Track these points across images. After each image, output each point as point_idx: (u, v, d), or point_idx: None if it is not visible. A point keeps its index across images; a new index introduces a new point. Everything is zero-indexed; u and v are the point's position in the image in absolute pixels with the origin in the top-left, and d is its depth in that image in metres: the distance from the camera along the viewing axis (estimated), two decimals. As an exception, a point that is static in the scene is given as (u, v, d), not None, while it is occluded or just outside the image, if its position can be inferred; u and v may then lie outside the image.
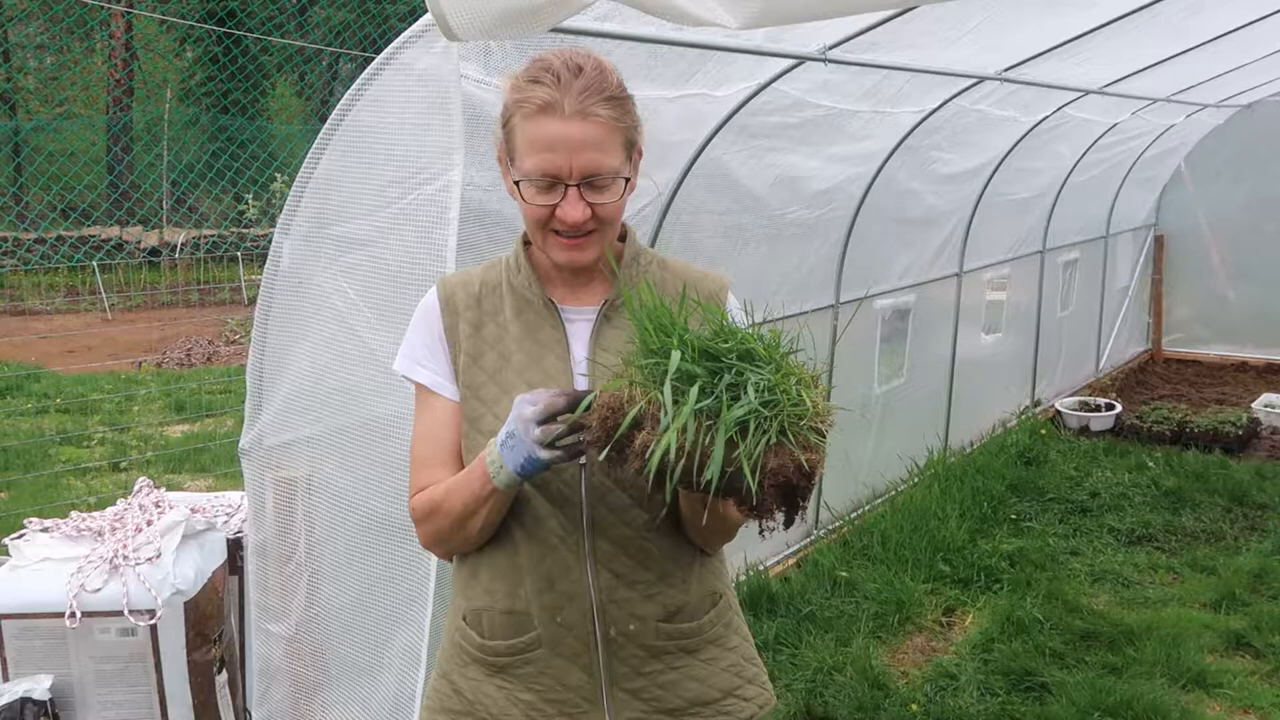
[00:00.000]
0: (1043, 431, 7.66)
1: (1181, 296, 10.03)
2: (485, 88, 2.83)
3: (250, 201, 12.34)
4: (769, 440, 1.53)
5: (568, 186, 1.78)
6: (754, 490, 1.52)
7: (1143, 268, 9.95)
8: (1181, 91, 7.38)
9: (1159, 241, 9.98)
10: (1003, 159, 6.48)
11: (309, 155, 2.84)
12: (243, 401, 9.20)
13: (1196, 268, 9.86)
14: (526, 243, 1.97)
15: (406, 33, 2.63)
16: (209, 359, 12.01)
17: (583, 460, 1.73)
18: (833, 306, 5.61)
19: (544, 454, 1.68)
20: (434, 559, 2.68)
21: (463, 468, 1.88)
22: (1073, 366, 8.96)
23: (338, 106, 2.76)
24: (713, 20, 2.17)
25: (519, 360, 1.90)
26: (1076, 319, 8.84)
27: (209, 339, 12.89)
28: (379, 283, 2.75)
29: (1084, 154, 7.54)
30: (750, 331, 1.66)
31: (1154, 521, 6.11)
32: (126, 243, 18.33)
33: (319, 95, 26.45)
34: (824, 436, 1.59)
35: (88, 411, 9.20)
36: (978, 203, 6.63)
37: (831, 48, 3.82)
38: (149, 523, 3.56)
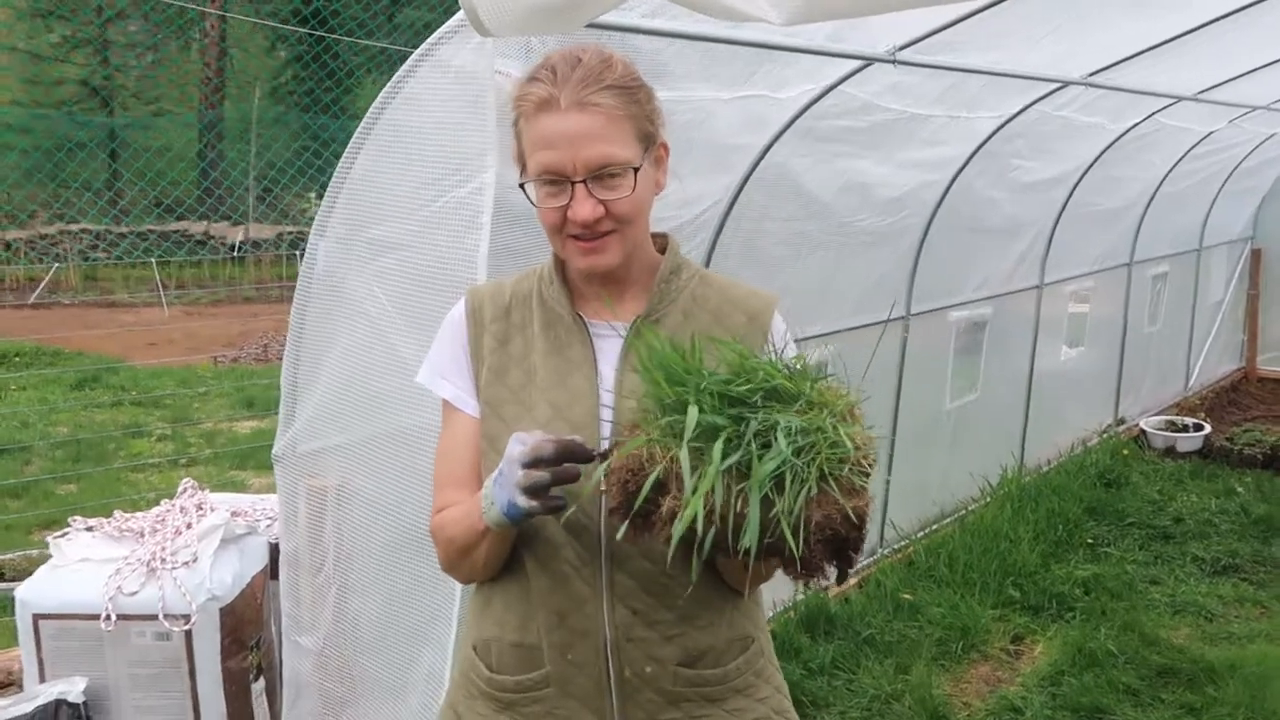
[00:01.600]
0: (1125, 452, 7.34)
1: (1279, 313, 9.59)
2: (524, 86, 2.71)
3: (313, 200, 12.46)
4: (809, 492, 1.36)
5: (574, 183, 1.65)
6: (798, 552, 1.36)
7: (1238, 282, 9.54)
8: (1282, 99, 7.03)
9: (1256, 255, 9.56)
10: (1088, 168, 6.21)
11: (345, 154, 2.75)
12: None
13: (1296, 283, 9.44)
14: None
15: (444, 27, 2.53)
16: (265, 356, 12.14)
17: (564, 504, 1.60)
18: (904, 318, 5.40)
19: (522, 501, 1.56)
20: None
21: (480, 485, 1.76)
22: (1160, 384, 8.60)
23: (374, 104, 2.67)
24: (757, 15, 2.02)
25: (544, 378, 1.77)
26: (1165, 334, 8.49)
27: (286, 335, 13.03)
28: (410, 288, 2.65)
29: (1176, 163, 7.21)
30: (774, 363, 1.51)
31: (1242, 551, 5.80)
32: (212, 238, 18.67)
33: (404, 95, 26.71)
34: (868, 476, 1.42)
35: (160, 405, 9.32)
36: (1061, 212, 6.37)
37: (901, 49, 3.64)
38: (189, 525, 3.52)
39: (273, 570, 3.64)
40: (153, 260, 16.76)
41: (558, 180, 1.67)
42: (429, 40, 2.56)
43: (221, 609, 3.36)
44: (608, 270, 1.75)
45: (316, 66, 21.21)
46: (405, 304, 2.66)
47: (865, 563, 5.43)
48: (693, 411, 1.42)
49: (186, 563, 3.32)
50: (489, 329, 1.83)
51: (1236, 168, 8.27)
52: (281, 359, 3.00)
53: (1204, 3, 4.33)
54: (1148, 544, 5.92)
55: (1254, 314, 9.67)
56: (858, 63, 3.65)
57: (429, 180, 2.59)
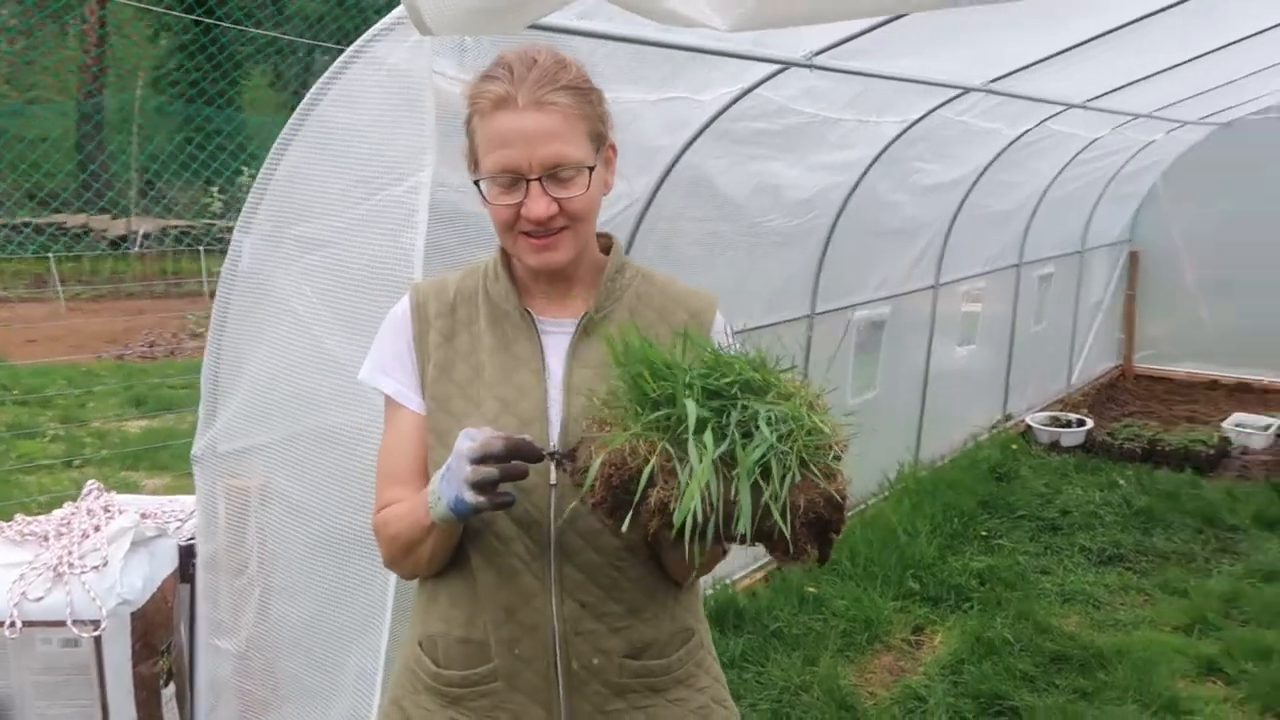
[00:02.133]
0: (1014, 446, 7.60)
1: (1154, 313, 10.02)
2: (459, 85, 2.70)
3: (215, 194, 12.13)
4: (793, 478, 1.42)
5: (529, 181, 1.68)
6: (788, 535, 1.41)
7: (1116, 283, 9.92)
8: (1163, 108, 7.35)
9: (1133, 258, 9.97)
10: (983, 171, 6.42)
11: (273, 150, 2.71)
12: (205, 398, 8.91)
13: (1170, 285, 9.83)
14: (506, 251, 1.86)
15: (378, 25, 2.51)
16: (172, 353, 11.79)
17: (512, 501, 1.61)
18: (808, 317, 5.51)
19: (470, 497, 1.57)
20: (392, 577, 2.56)
21: (425, 481, 1.77)
22: (1045, 381, 8.92)
23: (304, 100, 2.64)
24: (702, 21, 2.06)
25: (491, 373, 1.79)
26: (1050, 333, 8.80)
27: (173, 332, 12.67)
28: (341, 286, 2.62)
29: (1063, 168, 7.49)
30: (747, 357, 1.56)
31: (1125, 541, 6.05)
32: (91, 231, 18.01)
33: (292, 87, 26.15)
34: (841, 460, 1.49)
35: (50, 405, 8.99)
36: (956, 214, 6.57)
37: (818, 53, 3.73)
38: (96, 528, 3.41)
39: (182, 573, 3.57)
40: (29, 254, 16.11)
41: (513, 178, 1.69)
42: (362, 38, 2.54)
43: (133, 613, 3.27)
44: (559, 267, 1.78)
45: (203, 57, 20.62)
46: (335, 302, 2.63)
47: (769, 557, 5.52)
48: (692, 405, 1.45)
49: (96, 567, 3.22)
50: (434, 325, 1.84)
51: (1117, 173, 8.62)
52: (170, 356, 2.94)
53: (1097, 17, 4.53)
54: (1038, 535, 6.13)
55: (1131, 314, 10.08)
56: (776, 66, 3.73)
57: (362, 178, 2.57)
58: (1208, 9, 4.68)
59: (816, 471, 1.44)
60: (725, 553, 1.75)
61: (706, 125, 3.89)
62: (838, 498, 1.45)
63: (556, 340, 1.82)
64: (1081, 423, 8.10)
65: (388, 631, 2.55)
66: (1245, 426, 8.18)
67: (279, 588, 2.92)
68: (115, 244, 17.84)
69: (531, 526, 1.74)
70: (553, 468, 1.71)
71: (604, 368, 1.76)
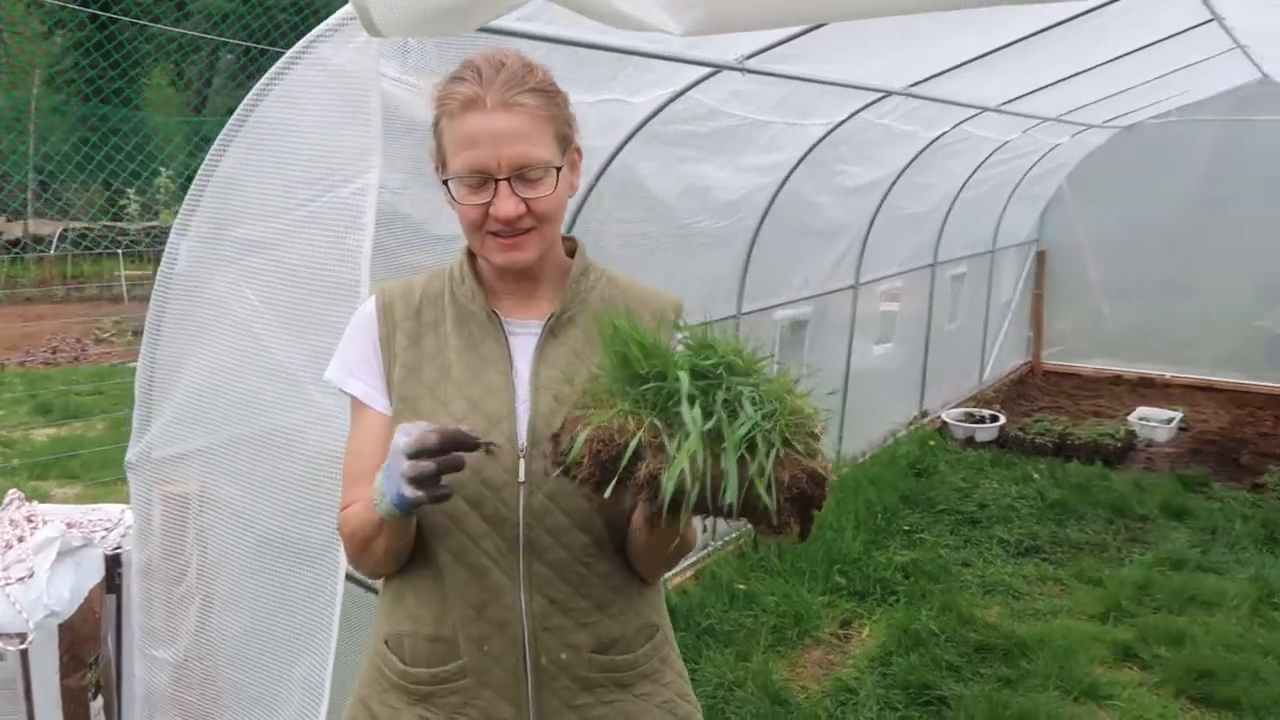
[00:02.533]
0: (931, 443, 7.76)
1: (1060, 311, 10.31)
2: (402, 86, 2.69)
3: (132, 196, 11.81)
4: (778, 453, 1.46)
5: (498, 181, 1.70)
6: (773, 509, 1.45)
7: (1025, 282, 10.19)
8: (1070, 112, 7.59)
9: (1040, 257, 10.25)
10: (900, 173, 6.55)
11: (211, 151, 2.66)
12: (114, 404, 8.80)
13: (1075, 283, 10.13)
14: (471, 254, 1.87)
15: (323, 25, 2.48)
16: (76, 358, 11.46)
17: (449, 494, 1.62)
18: (735, 317, 5.57)
19: (408, 491, 1.57)
20: (340, 583, 2.54)
21: None
22: (959, 378, 9.12)
23: (245, 100, 2.59)
24: (655, 25, 2.09)
25: (459, 374, 1.80)
26: (963, 332, 9.01)
27: (76, 337, 12.31)
28: (285, 288, 2.59)
29: (975, 170, 7.68)
30: (729, 342, 1.59)
31: (1041, 533, 6.22)
32: (-13, 233, 17.43)
33: (196, 86, 25.57)
34: (818, 440, 1.54)
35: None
36: (875, 215, 6.69)
37: (749, 56, 3.78)
38: (20, 539, 3.33)
39: (109, 583, 3.48)
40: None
41: (481, 178, 1.71)
42: (306, 38, 2.51)
43: (60, 625, 3.19)
44: (525, 266, 1.79)
45: (99, 55, 20.06)
46: (279, 304, 2.60)
47: (699, 555, 5.58)
48: (685, 376, 1.49)
49: (21, 578, 3.14)
50: (401, 327, 1.85)
51: (1025, 175, 8.86)
52: (74, 362, 2.88)
53: (1012, 24, 4.66)
54: (957, 529, 6.28)
55: (1039, 312, 10.36)
56: (708, 69, 3.77)
57: (307, 179, 2.54)
58: (1113, 19, 4.86)
59: (799, 449, 1.48)
60: (691, 546, 1.80)
61: (639, 127, 3.92)
62: (820, 473, 1.49)
63: (523, 341, 1.83)
64: (995, 418, 8.31)
65: (335, 637, 2.53)
66: (1149, 420, 8.46)
67: (220, 595, 2.87)
68: (9, 247, 17.28)
69: (501, 524, 1.75)
70: (521, 464, 1.73)
71: (570, 368, 1.79)
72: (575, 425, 1.56)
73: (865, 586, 5.39)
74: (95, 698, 3.43)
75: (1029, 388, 10.01)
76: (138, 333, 12.39)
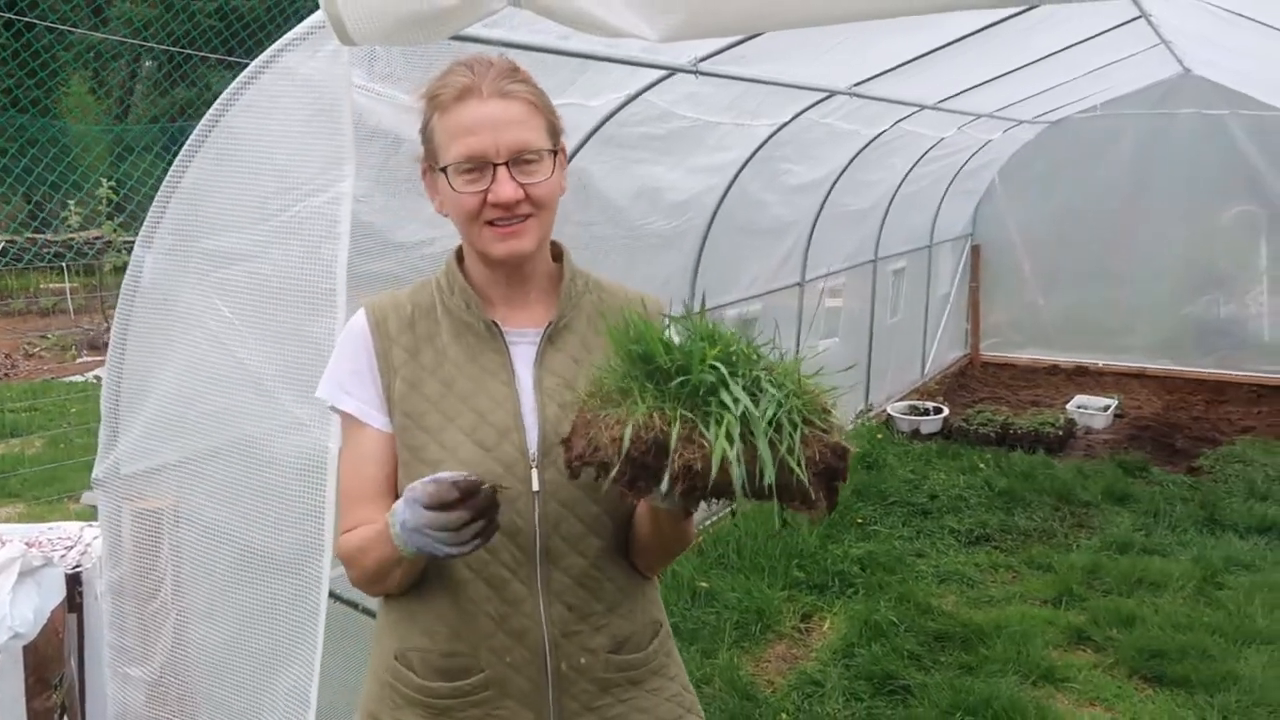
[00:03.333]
0: (879, 436, 7.87)
1: (997, 303, 10.51)
2: (369, 95, 2.69)
3: (73, 208, 11.55)
4: (801, 432, 1.50)
5: (496, 166, 1.72)
6: (807, 483, 1.49)
7: (961, 276, 10.37)
8: (1002, 109, 7.74)
9: (975, 251, 10.43)
10: (843, 170, 6.64)
11: (176, 162, 2.64)
12: (51, 420, 8.59)
13: (1010, 275, 10.34)
14: (459, 262, 1.87)
15: (290, 34, 2.47)
16: (6, 374, 11.19)
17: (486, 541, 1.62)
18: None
19: (442, 550, 1.59)
20: (324, 595, 2.53)
21: (393, 498, 1.77)
22: (901, 371, 9.26)
23: (210, 111, 2.57)
24: (632, 32, 2.11)
25: (463, 386, 1.80)
26: (904, 325, 9.15)
27: (5, 353, 12.02)
28: (259, 300, 2.57)
29: (913, 166, 7.81)
30: (733, 333, 1.63)
31: (990, 522, 6.34)
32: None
33: (117, 95, 25.06)
34: (831, 417, 1.59)
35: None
36: (819, 213, 6.78)
37: (703, 59, 3.82)
38: (-21, 560, 3.27)
39: (70, 602, 3.43)
40: None
41: (479, 164, 1.72)
42: (271, 48, 2.50)
43: (24, 647, 3.15)
44: (524, 256, 1.80)
45: (15, 64, 19.56)
46: (253, 316, 2.58)
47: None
48: (721, 366, 1.52)
49: (-16, 601, 3.09)
50: (397, 341, 1.84)
51: (960, 170, 9.02)
52: (5, 379, 2.84)
53: (949, 25, 4.77)
54: (910, 520, 6.38)
55: (975, 305, 10.55)
56: (662, 72, 3.80)
57: (277, 190, 2.53)
58: (1043, 18, 5.00)
59: (820, 425, 1.54)
60: (692, 539, 1.85)
61: (595, 130, 3.94)
62: (843, 446, 1.55)
63: (522, 350, 1.84)
64: (938, 410, 8.45)
65: (320, 648, 2.52)
66: (1087, 408, 8.67)
67: (197, 611, 2.83)
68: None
69: (517, 535, 1.76)
70: (534, 474, 1.75)
71: (571, 375, 1.80)
72: (587, 428, 1.58)
73: (824, 580, 5.47)
74: (61, 718, 3.39)
75: (969, 379, 10.18)
76: (65, 347, 12.15)
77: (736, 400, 1.49)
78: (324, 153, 2.46)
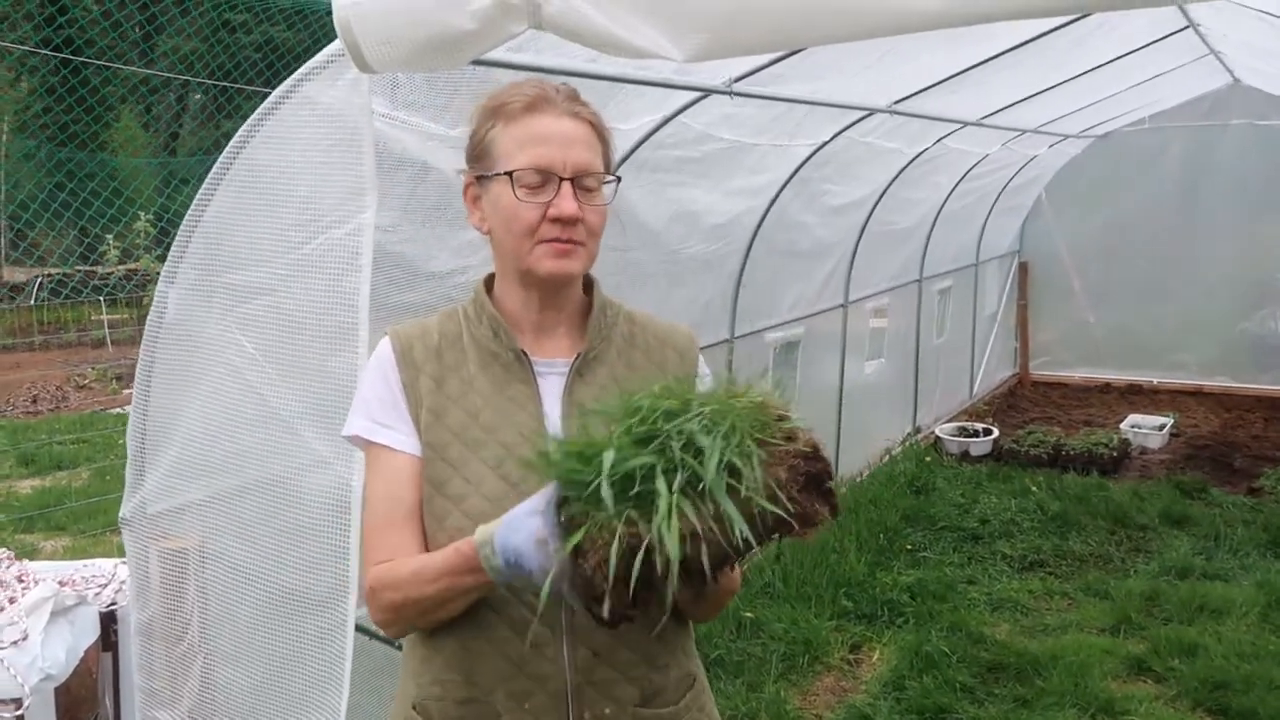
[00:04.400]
0: (927, 459, 7.72)
1: (1045, 321, 10.31)
2: (393, 124, 2.64)
3: (111, 242, 11.69)
4: (759, 459, 1.39)
5: (561, 180, 1.68)
6: (789, 508, 1.38)
7: (1009, 294, 10.20)
8: (1048, 123, 7.60)
9: (1023, 268, 10.25)
10: (885, 189, 6.53)
11: (198, 197, 2.60)
12: (99, 452, 8.64)
13: (1058, 293, 10.15)
14: (488, 290, 1.81)
15: (309, 64, 2.42)
16: (58, 407, 11.30)
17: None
18: (728, 341, 5.53)
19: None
20: (349, 635, 2.46)
21: (423, 529, 1.70)
22: (949, 392, 9.10)
23: (230, 143, 2.53)
24: (656, 53, 2.03)
25: (488, 418, 1.73)
26: (951, 345, 8.99)
27: (57, 385, 12.15)
28: (281, 335, 2.52)
29: (957, 183, 7.68)
30: (655, 390, 1.51)
31: (1044, 546, 6.17)
32: (-40, 283, 17.26)
33: (166, 128, 25.48)
34: (790, 420, 1.48)
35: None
36: (861, 233, 6.67)
37: (738, 80, 3.74)
38: (11, 600, 3.24)
39: (104, 641, 3.39)
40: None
41: (544, 177, 1.69)
42: (292, 78, 2.45)
43: (56, 689, 3.11)
44: (571, 277, 1.76)
45: (72, 100, 19.94)
46: (276, 351, 2.53)
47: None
48: (608, 456, 1.41)
49: (15, 641, 3.05)
50: (424, 370, 1.78)
51: (1005, 186, 8.87)
52: (55, 411, 2.80)
53: (991, 40, 4.66)
54: (960, 546, 6.22)
55: (1024, 323, 10.35)
56: (697, 94, 3.73)
57: (298, 221, 2.47)
58: (1090, 30, 4.88)
59: (778, 439, 1.42)
60: (737, 586, 1.78)
61: (629, 154, 3.87)
62: (813, 445, 1.44)
63: (550, 382, 1.78)
64: (988, 431, 8.27)
65: (347, 690, 2.45)
66: (1141, 427, 8.46)
67: (224, 653, 2.78)
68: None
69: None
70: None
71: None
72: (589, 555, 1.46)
73: (872, 609, 5.33)
74: (95, 760, 3.35)
75: (1019, 399, 9.99)
76: (120, 378, 12.28)
77: (671, 469, 1.39)
78: (345, 183, 2.41)
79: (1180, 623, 5.12)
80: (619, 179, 1.79)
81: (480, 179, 1.76)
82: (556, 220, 1.68)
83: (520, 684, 1.70)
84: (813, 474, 1.43)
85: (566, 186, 1.68)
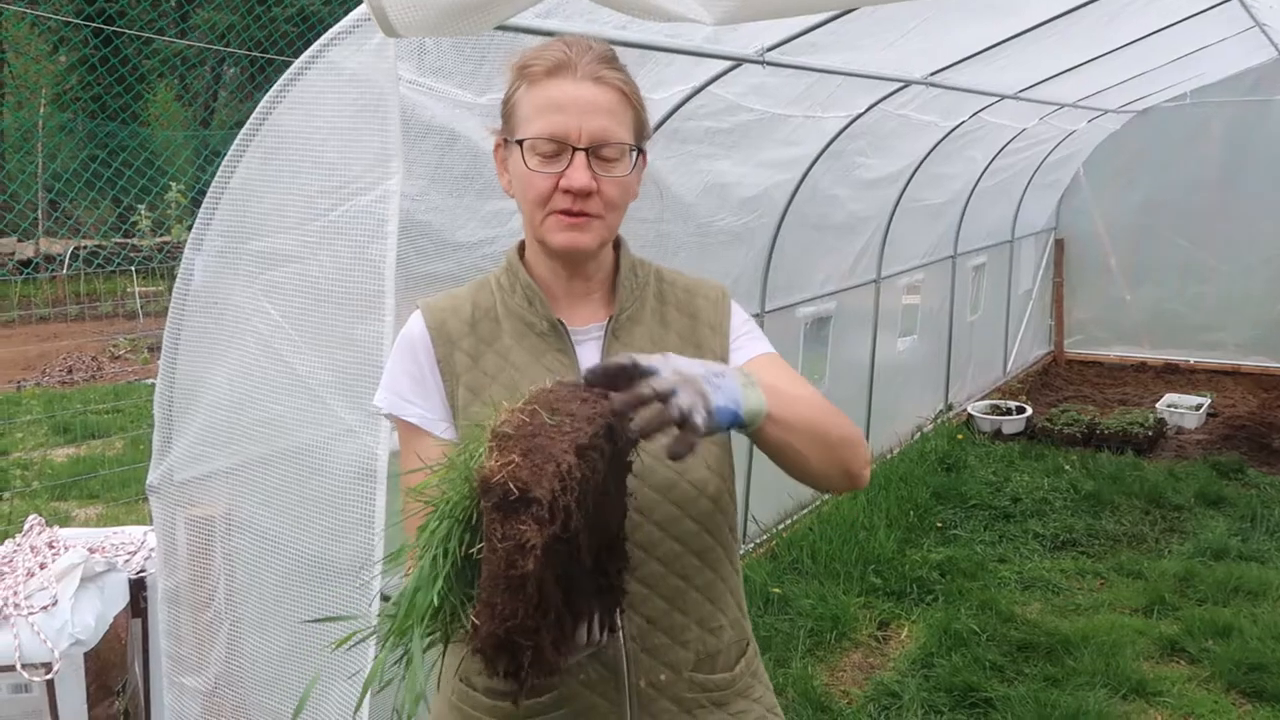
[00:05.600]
0: (959, 436, 7.65)
1: (1081, 299, 10.18)
2: (420, 90, 2.61)
3: (143, 212, 11.73)
4: (478, 505, 1.34)
5: (575, 151, 1.62)
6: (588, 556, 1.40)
7: (1044, 271, 10.07)
8: (1087, 97, 7.48)
9: (1059, 245, 10.12)
10: (919, 164, 6.44)
11: (223, 164, 2.58)
12: (132, 422, 8.71)
13: (1095, 270, 10.02)
14: (522, 254, 1.78)
15: (334, 29, 2.39)
16: (93, 377, 11.40)
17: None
18: (758, 315, 5.48)
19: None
20: (376, 603, 2.45)
21: None
22: (982, 370, 9.01)
23: (256, 109, 2.51)
24: (687, 15, 1.99)
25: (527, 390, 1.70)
26: (985, 323, 8.89)
27: (92, 355, 12.26)
28: (307, 303, 2.51)
29: (993, 159, 7.57)
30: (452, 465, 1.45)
31: (1076, 526, 6.11)
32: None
33: (202, 100, 25.58)
34: (489, 454, 1.35)
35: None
36: (895, 208, 6.59)
37: (770, 49, 3.68)
38: (42, 566, 3.26)
39: (134, 608, 3.41)
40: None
41: (557, 146, 1.63)
42: (317, 43, 2.42)
43: (86, 654, 3.12)
44: (583, 252, 1.71)
45: (105, 70, 20.04)
46: (301, 318, 2.51)
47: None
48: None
49: (45, 606, 3.07)
50: (459, 345, 1.74)
51: (1043, 162, 8.74)
52: (90, 381, 2.80)
53: (1030, 10, 4.58)
54: (991, 524, 6.16)
55: (1059, 300, 10.23)
56: (728, 63, 3.67)
57: (324, 188, 2.45)
58: (1126, 3, 4.79)
59: (494, 464, 1.31)
60: (838, 435, 1.66)
61: (659, 124, 3.83)
62: (494, 467, 1.31)
63: (587, 348, 1.75)
64: (1021, 410, 8.19)
65: (371, 659, 2.44)
66: (1177, 407, 8.34)
67: (250, 620, 2.78)
68: (22, 267, 17.24)
69: None
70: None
71: None
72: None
73: (901, 586, 5.29)
74: (124, 725, 3.37)
75: (1053, 377, 9.88)
76: (153, 349, 12.36)
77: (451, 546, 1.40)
78: (371, 150, 2.39)
79: (1215, 604, 5.06)
80: (641, 150, 1.72)
81: (506, 142, 1.72)
82: (568, 191, 1.63)
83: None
84: (566, 468, 1.31)
85: (580, 157, 1.62)
